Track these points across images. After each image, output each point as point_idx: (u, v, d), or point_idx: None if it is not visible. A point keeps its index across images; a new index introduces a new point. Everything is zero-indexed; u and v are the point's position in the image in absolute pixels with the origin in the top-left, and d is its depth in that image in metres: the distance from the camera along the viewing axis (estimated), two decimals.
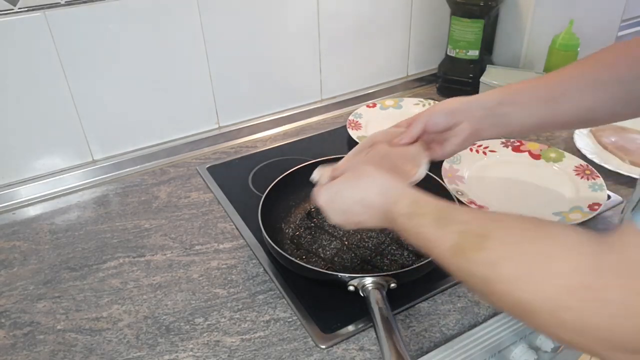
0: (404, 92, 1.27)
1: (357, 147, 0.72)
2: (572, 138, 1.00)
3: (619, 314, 0.32)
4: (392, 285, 0.63)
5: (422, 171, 0.65)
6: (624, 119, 0.62)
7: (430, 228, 0.45)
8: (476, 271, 0.39)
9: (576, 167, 0.90)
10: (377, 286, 0.61)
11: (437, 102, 1.14)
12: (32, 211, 0.89)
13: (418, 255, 0.73)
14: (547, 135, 1.03)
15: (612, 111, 0.60)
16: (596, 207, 0.79)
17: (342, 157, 0.87)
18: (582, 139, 0.99)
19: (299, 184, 0.83)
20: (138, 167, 0.99)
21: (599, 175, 0.87)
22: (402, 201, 0.51)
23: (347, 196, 0.57)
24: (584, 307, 0.34)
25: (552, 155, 0.93)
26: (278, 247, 0.70)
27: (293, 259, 0.66)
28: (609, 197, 0.83)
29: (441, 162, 0.91)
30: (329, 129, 1.11)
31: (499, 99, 0.62)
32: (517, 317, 0.38)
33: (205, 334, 0.64)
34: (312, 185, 0.84)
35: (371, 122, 1.10)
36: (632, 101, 0.58)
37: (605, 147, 0.96)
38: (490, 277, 0.38)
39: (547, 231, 0.38)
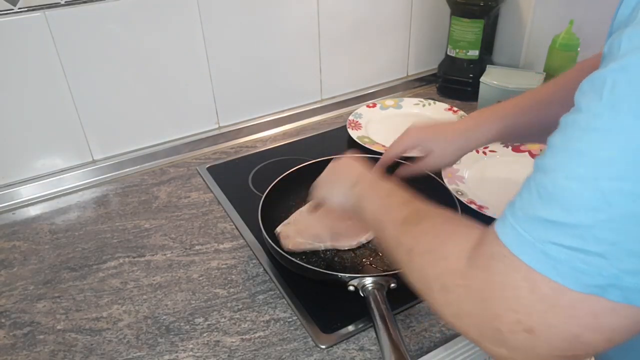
0: (404, 92, 1.27)
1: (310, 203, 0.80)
2: None
3: (477, 301, 0.35)
4: (392, 285, 0.63)
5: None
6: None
7: (398, 201, 0.53)
8: (406, 241, 0.46)
9: None
10: (377, 286, 0.61)
11: (436, 101, 1.14)
12: (32, 211, 0.89)
13: None
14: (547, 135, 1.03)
15: None
16: None
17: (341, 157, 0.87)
18: None
19: (299, 184, 0.83)
20: (138, 167, 0.99)
21: None
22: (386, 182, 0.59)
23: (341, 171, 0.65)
24: (457, 291, 0.37)
25: None
26: (278, 247, 0.70)
27: (293, 259, 0.66)
28: None
29: None
30: (329, 129, 1.11)
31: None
32: (422, 292, 0.42)
33: (205, 334, 0.64)
34: (311, 184, 0.84)
35: (371, 122, 1.10)
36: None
37: None
38: (413, 247, 0.44)
39: (455, 222, 0.43)
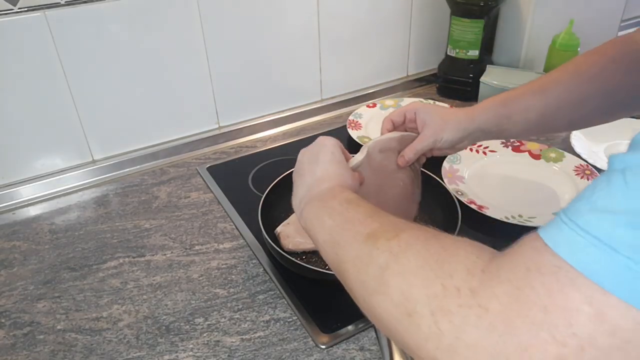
0: (404, 92, 1.27)
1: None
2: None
3: (492, 328, 0.28)
4: None
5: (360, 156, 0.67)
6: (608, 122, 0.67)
7: (359, 215, 0.45)
8: (378, 258, 0.38)
9: (576, 167, 0.90)
10: None
11: (436, 101, 1.14)
12: (32, 211, 0.89)
13: None
14: (547, 135, 1.03)
15: (598, 120, 0.67)
16: None
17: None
18: (579, 141, 0.98)
19: None
20: (138, 167, 0.99)
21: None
22: (348, 190, 0.52)
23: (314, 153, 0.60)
24: (462, 316, 0.30)
25: (552, 155, 0.93)
26: (278, 247, 0.70)
27: (293, 259, 0.66)
28: None
29: (441, 162, 0.91)
30: (329, 129, 1.11)
31: (497, 122, 0.64)
32: (395, 322, 0.35)
33: (205, 334, 0.64)
34: None
35: (371, 122, 1.10)
36: (614, 108, 0.63)
37: None
38: (390, 265, 0.37)
39: (453, 238, 0.37)
